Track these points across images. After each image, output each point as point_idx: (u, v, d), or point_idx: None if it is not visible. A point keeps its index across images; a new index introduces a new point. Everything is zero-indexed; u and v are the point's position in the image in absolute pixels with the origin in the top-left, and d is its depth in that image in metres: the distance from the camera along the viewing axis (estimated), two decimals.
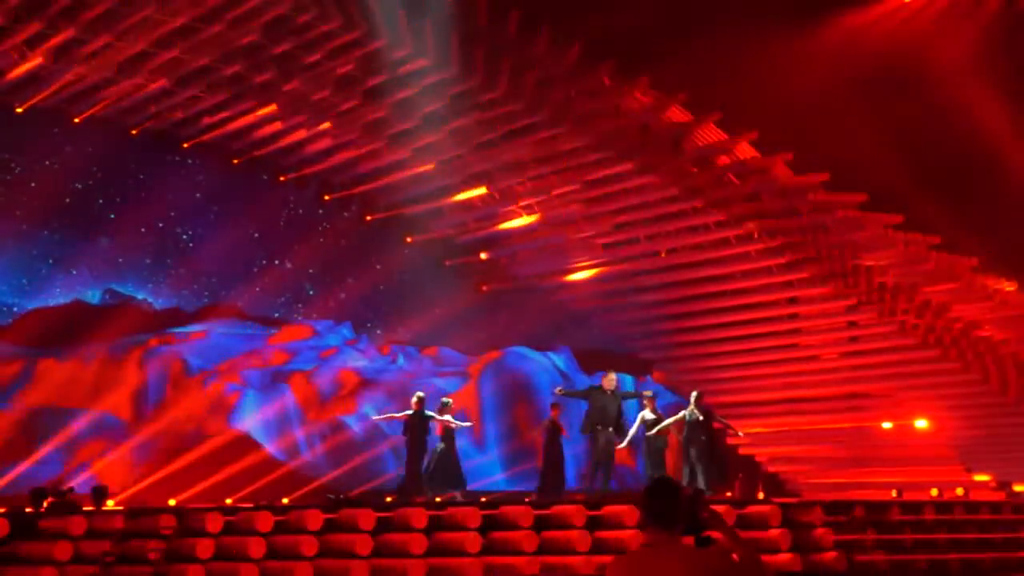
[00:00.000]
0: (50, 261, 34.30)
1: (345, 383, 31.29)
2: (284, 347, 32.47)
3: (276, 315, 37.18)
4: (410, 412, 20.89)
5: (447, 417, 20.82)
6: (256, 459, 27.40)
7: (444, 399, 21.57)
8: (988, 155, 30.84)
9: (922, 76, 31.87)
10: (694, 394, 20.55)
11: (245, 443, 28.07)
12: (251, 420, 28.73)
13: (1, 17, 23.98)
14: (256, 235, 35.79)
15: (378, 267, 36.64)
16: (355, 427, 27.92)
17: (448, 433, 20.64)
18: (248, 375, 30.41)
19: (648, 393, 21.84)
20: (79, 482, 25.32)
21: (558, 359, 33.44)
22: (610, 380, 20.79)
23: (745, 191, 27.37)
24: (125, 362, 29.95)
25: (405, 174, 30.32)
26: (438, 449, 20.50)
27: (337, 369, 31.59)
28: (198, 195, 34.70)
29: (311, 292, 37.65)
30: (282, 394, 29.65)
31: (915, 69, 31.88)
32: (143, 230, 34.85)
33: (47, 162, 33.41)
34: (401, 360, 33.14)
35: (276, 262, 36.40)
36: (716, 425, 20.73)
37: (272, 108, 27.79)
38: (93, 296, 35.00)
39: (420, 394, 21.32)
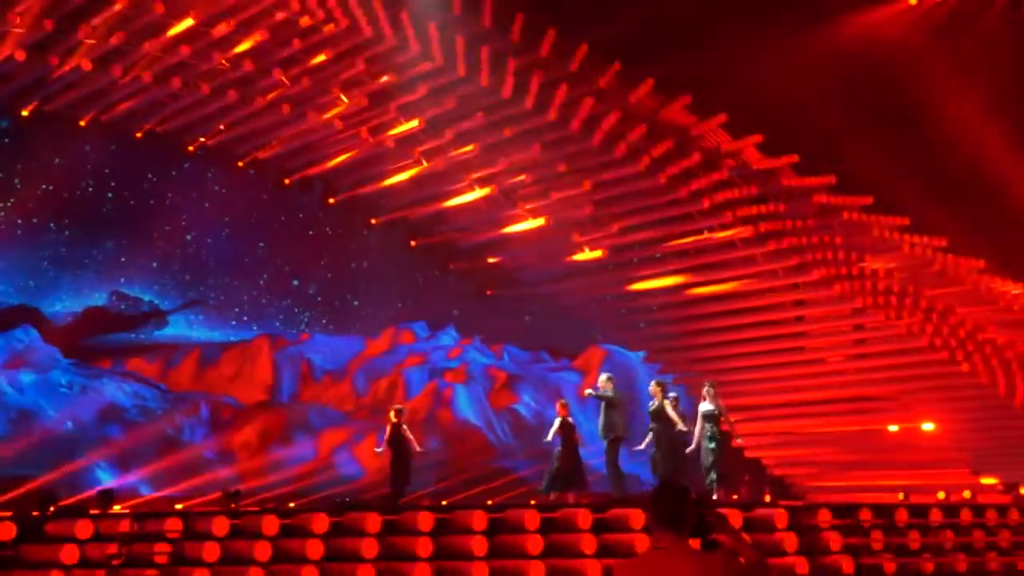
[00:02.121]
0: (57, 263, 34.39)
1: (497, 377, 33.58)
2: (412, 348, 33.91)
3: (280, 316, 37.32)
4: (392, 424, 20.86)
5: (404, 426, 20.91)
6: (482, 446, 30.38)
7: (562, 400, 21.62)
8: (993, 156, 30.82)
9: (928, 78, 31.86)
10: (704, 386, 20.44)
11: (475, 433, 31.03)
12: (470, 412, 31.58)
13: (8, 21, 24.00)
14: (260, 236, 35.89)
15: (381, 269, 36.71)
16: (526, 415, 28.71)
17: (566, 435, 20.39)
18: (408, 372, 32.66)
19: (706, 385, 21.37)
20: (342, 467, 26.90)
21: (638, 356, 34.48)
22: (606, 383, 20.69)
23: (750, 194, 27.33)
24: (253, 359, 32.36)
25: (411, 177, 30.31)
26: (557, 452, 20.25)
27: (482, 366, 33.89)
28: (203, 198, 34.81)
29: (313, 291, 37.69)
30: (475, 389, 31.51)
31: (921, 71, 31.87)
32: (149, 232, 34.92)
33: (54, 164, 33.51)
34: (506, 357, 34.60)
35: (279, 263, 36.47)
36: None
37: (278, 111, 27.78)
38: (99, 298, 35.09)
39: (398, 407, 21.41)
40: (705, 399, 20.04)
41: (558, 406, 20.97)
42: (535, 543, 15.57)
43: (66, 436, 27.94)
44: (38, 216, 33.89)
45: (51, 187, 33.90)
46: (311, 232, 36.68)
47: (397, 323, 36.23)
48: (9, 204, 33.57)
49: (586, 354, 35.30)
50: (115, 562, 15.09)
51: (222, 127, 29.02)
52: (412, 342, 35.24)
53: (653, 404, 20.36)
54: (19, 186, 33.65)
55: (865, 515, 17.12)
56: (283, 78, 26.44)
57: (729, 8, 31.60)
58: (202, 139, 29.87)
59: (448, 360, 34.18)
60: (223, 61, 25.89)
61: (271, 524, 15.69)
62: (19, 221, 33.75)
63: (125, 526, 15.91)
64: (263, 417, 30.38)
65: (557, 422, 20.46)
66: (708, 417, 19.84)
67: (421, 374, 33.16)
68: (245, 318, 37.22)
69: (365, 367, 33.47)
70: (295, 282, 37.28)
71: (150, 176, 34.49)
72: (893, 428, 28.21)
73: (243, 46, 25.46)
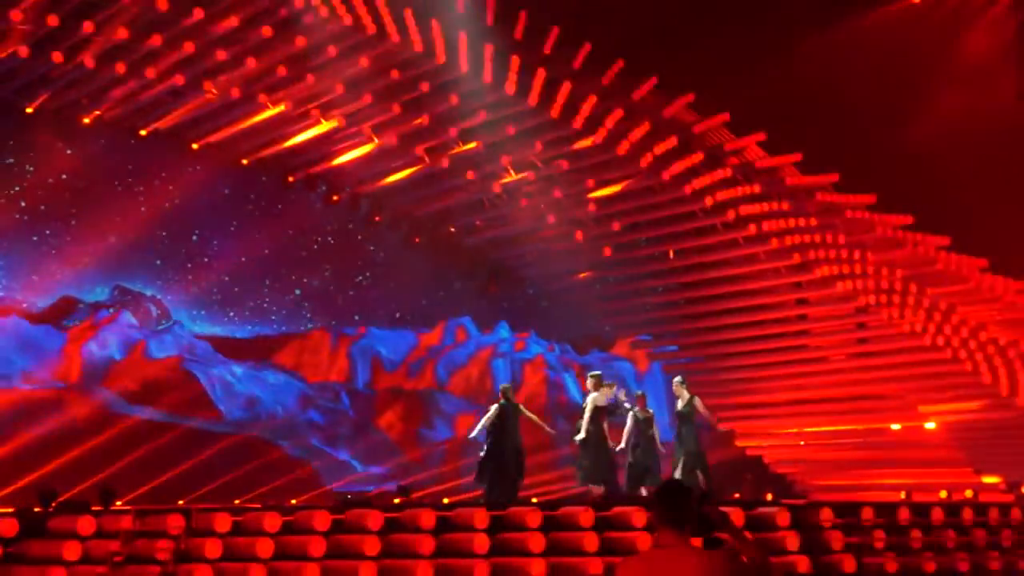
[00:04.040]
0: (61, 257, 34.41)
1: (571, 367, 34.68)
2: (479, 341, 34.93)
3: (284, 312, 37.43)
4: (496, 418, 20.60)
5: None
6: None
7: (638, 392, 21.40)
8: (995, 155, 30.82)
9: (933, 74, 31.87)
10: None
11: None
12: (580, 399, 32.47)
13: (13, 16, 24.02)
14: (263, 234, 35.88)
15: (385, 266, 36.78)
16: (609, 402, 29.44)
17: (644, 428, 20.17)
18: (495, 363, 34.04)
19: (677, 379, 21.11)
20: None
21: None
22: (610, 387, 20.50)
23: (753, 192, 27.34)
24: (314, 350, 34.23)
25: (415, 174, 30.34)
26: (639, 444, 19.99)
27: (555, 356, 35.17)
28: (207, 194, 34.80)
29: (315, 288, 37.74)
30: (570, 378, 32.41)
31: (925, 68, 31.88)
32: (152, 228, 34.91)
33: (58, 161, 33.53)
34: (557, 349, 36.19)
35: (283, 260, 36.51)
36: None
37: (282, 108, 27.80)
38: (102, 293, 35.09)
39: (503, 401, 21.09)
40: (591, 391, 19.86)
41: (637, 397, 20.70)
42: (537, 541, 15.56)
43: (284, 420, 30.20)
44: (46, 204, 33.96)
45: (64, 177, 33.94)
46: (315, 233, 36.81)
47: (447, 319, 36.92)
48: (19, 189, 33.61)
49: (623, 345, 35.93)
50: (117, 559, 15.10)
51: (223, 124, 29.03)
52: (465, 336, 36.12)
53: (680, 404, 20.02)
54: (31, 170, 33.68)
55: (867, 514, 17.10)
56: (286, 76, 26.46)
57: (732, 6, 31.61)
58: (207, 139, 29.88)
59: (517, 352, 35.02)
60: (227, 58, 25.88)
61: (273, 521, 15.69)
62: (22, 204, 33.80)
63: (127, 523, 15.91)
64: (400, 403, 31.90)
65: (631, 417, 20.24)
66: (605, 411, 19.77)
67: (504, 365, 34.30)
68: (246, 316, 37.31)
69: (443, 359, 34.56)
70: (297, 291, 37.50)
71: (162, 174, 34.60)
72: (895, 427, 28.22)
73: (246, 43, 25.49)
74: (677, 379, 20.56)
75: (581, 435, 19.43)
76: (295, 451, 29.26)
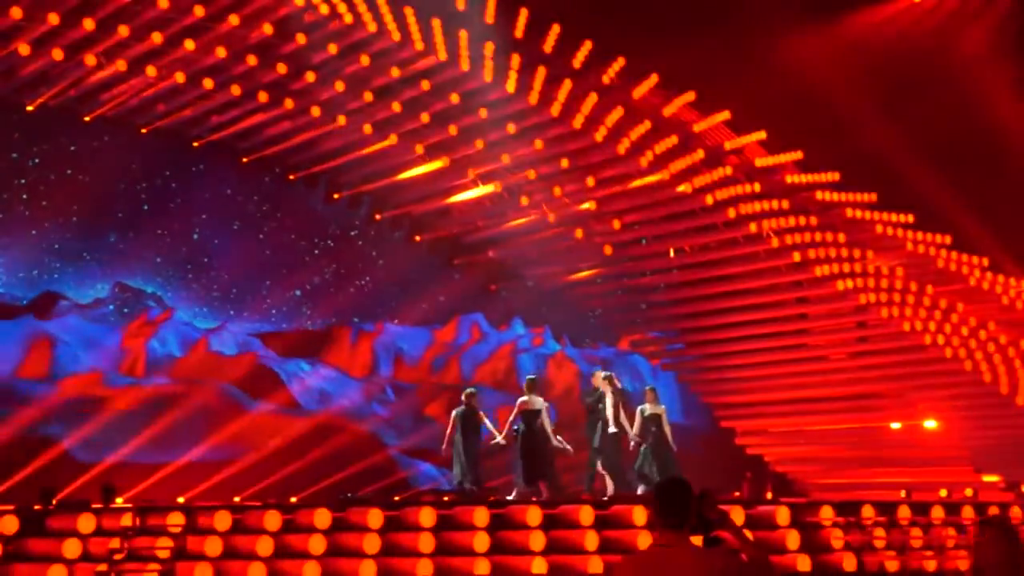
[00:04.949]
0: (62, 253, 34.46)
1: (593, 362, 34.15)
2: (500, 337, 35.63)
3: (284, 309, 37.47)
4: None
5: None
6: None
7: (648, 387, 21.18)
8: (995, 154, 30.80)
9: (933, 74, 31.84)
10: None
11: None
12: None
13: (14, 13, 24.02)
14: (264, 232, 35.94)
15: (386, 266, 36.80)
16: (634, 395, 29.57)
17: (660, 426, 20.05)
18: (521, 359, 34.08)
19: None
20: None
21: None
22: (598, 378, 20.37)
23: (754, 191, 27.34)
24: (334, 345, 34.50)
25: (415, 172, 30.34)
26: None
27: (576, 351, 35.16)
28: (208, 192, 34.87)
29: (314, 287, 37.81)
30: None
31: (926, 67, 31.85)
32: (152, 225, 34.97)
33: (59, 158, 33.55)
34: (568, 344, 36.27)
35: (283, 258, 36.55)
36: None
37: (282, 106, 27.80)
38: (102, 290, 35.09)
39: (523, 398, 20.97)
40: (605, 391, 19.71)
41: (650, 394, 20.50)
42: (537, 539, 15.58)
43: (355, 411, 30.18)
44: (47, 200, 33.99)
45: (68, 172, 33.97)
46: (315, 233, 36.89)
47: (459, 316, 37.00)
48: (21, 184, 33.64)
49: (624, 343, 36.16)
50: (117, 556, 15.11)
51: (218, 120, 29.00)
52: (480, 332, 36.34)
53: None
54: (35, 163, 33.71)
55: (867, 512, 17.12)
56: (286, 74, 26.46)
57: (733, 5, 31.58)
58: (210, 137, 29.87)
59: (536, 347, 35.38)
60: (227, 56, 25.88)
61: (273, 519, 15.69)
62: (25, 197, 33.81)
63: (127, 520, 15.91)
64: (444, 396, 32.29)
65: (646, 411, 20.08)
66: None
67: (529, 360, 34.51)
68: (244, 316, 37.37)
69: (465, 355, 34.89)
70: (297, 292, 37.59)
71: (167, 173, 34.68)
72: (895, 425, 28.22)
73: (247, 41, 25.50)
74: (601, 373, 20.35)
75: (499, 438, 19.53)
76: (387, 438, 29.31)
